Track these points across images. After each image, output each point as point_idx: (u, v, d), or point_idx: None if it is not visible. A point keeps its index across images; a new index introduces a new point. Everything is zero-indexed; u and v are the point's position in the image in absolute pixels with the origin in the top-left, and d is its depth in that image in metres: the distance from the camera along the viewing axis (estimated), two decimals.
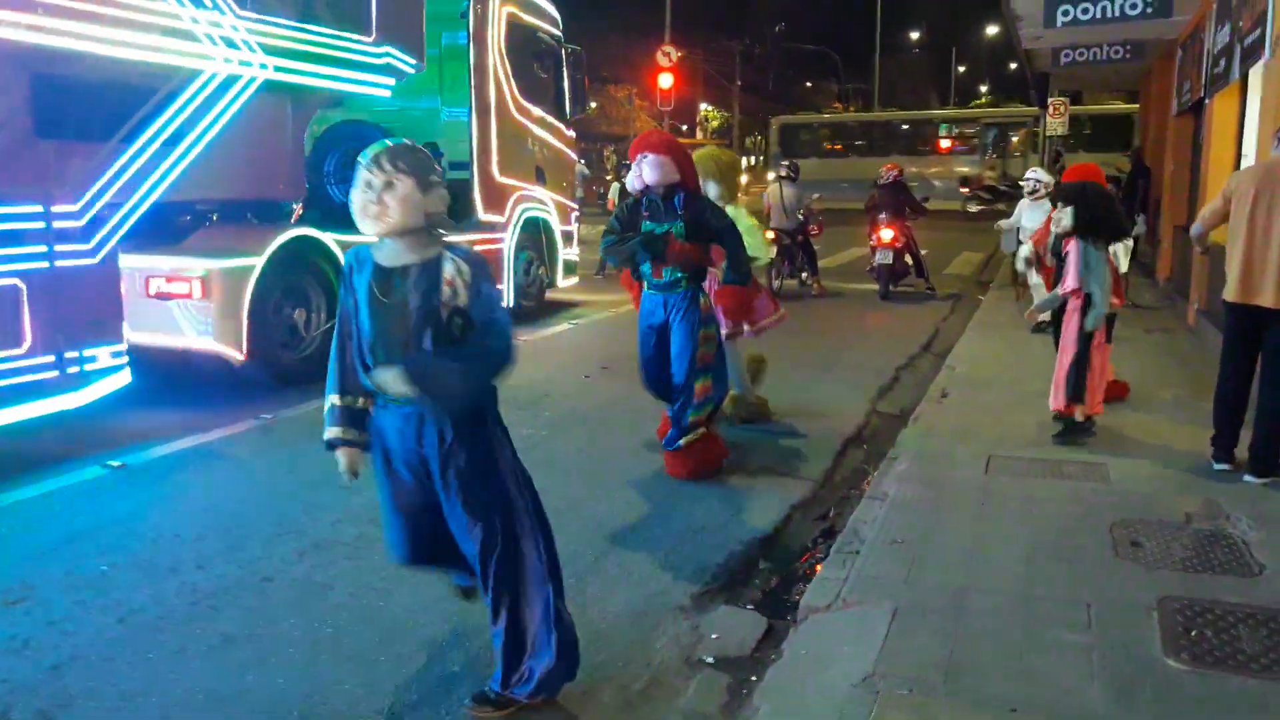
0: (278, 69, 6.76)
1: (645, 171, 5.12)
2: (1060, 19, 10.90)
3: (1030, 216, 9.34)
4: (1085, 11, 10.58)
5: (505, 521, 2.97)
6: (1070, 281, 5.58)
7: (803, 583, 4.12)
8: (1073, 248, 5.60)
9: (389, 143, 2.81)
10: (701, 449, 5.38)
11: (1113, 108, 32.39)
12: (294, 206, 9.19)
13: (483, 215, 9.59)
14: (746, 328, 6.10)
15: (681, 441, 5.33)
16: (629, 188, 5.34)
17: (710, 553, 4.37)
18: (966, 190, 33.73)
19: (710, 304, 5.40)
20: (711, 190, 5.89)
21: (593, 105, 41.66)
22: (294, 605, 3.75)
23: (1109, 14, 10.53)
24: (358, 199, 2.76)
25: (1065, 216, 5.60)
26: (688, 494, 5.13)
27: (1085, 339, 5.61)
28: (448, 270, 2.80)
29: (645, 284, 5.41)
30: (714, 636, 3.63)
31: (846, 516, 4.76)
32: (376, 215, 2.75)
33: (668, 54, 22.45)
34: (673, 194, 5.17)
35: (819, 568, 4.11)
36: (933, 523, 4.51)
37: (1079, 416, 5.71)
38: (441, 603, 3.81)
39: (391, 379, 2.72)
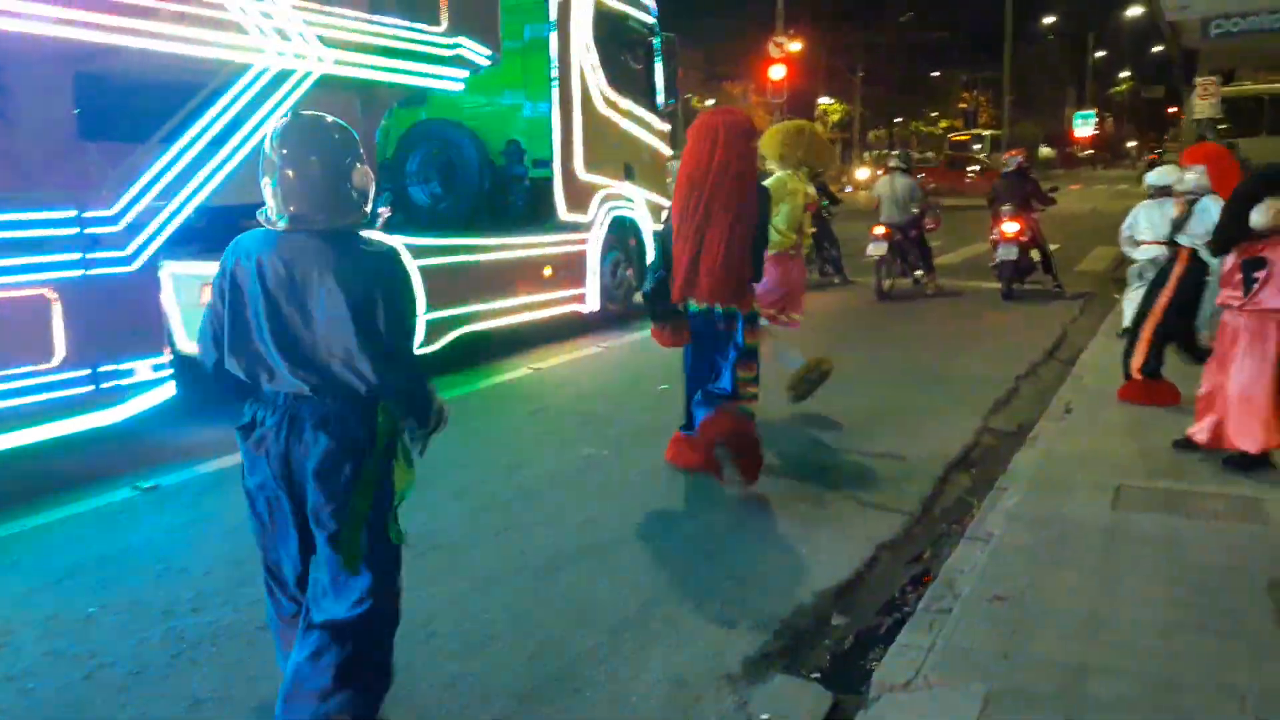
0: (337, 62, 6.39)
1: None
2: None
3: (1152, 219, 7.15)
4: None
5: None
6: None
7: (882, 645, 3.44)
8: None
9: (298, 116, 2.53)
10: (741, 417, 4.80)
11: None
12: (380, 208, 8.89)
13: (565, 215, 9.08)
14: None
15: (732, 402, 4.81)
16: None
17: (774, 604, 3.73)
18: None
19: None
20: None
21: (709, 102, 41.02)
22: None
23: None
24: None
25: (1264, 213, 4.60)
26: (757, 530, 4.48)
27: None
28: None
29: None
30: (765, 718, 3.00)
31: (944, 560, 4.04)
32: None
33: (779, 44, 21.58)
34: None
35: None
36: (1045, 574, 3.74)
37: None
38: (445, 661, 3.30)
39: None
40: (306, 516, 2.60)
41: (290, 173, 2.45)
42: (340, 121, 2.55)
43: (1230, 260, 4.85)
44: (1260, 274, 4.68)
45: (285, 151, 2.46)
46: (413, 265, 7.30)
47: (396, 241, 7.24)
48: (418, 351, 7.42)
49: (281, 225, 2.49)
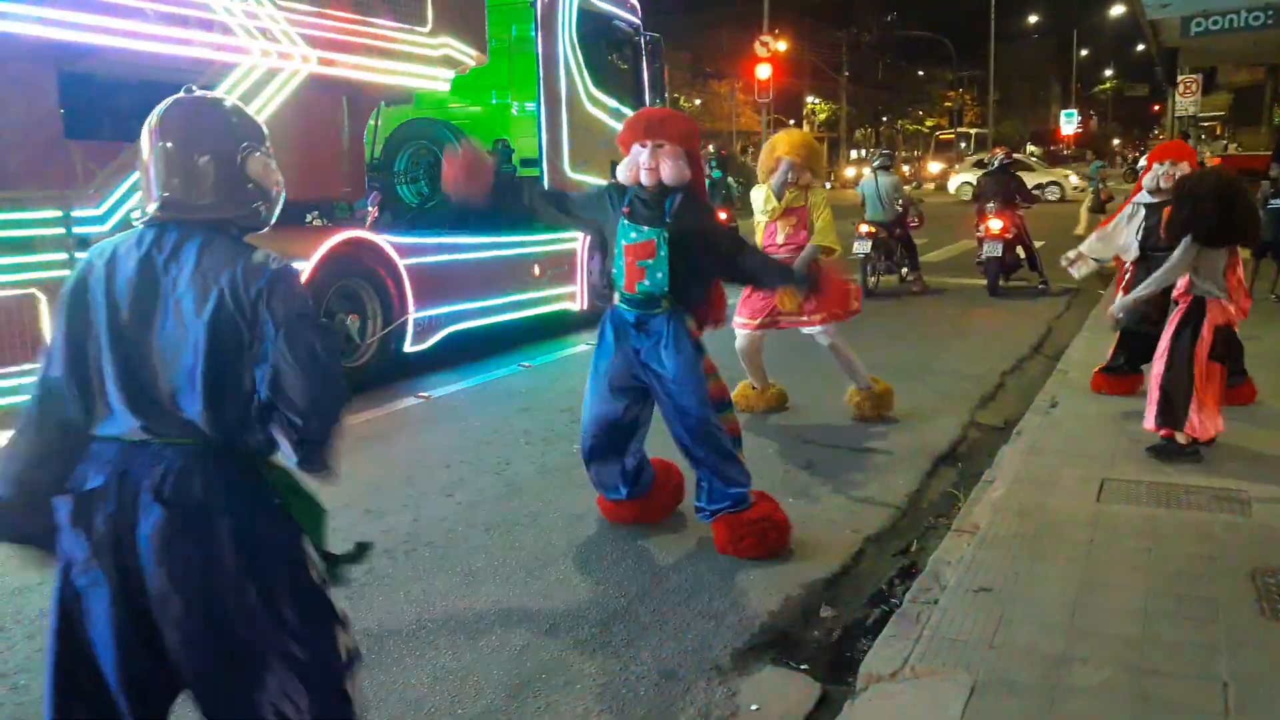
0: (323, 62, 6.40)
1: (665, 168, 3.91)
2: None
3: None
4: None
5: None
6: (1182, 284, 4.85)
7: (869, 637, 3.48)
8: (1182, 244, 4.81)
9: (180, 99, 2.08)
10: (768, 521, 4.14)
11: None
12: (369, 207, 8.89)
13: None
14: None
15: (740, 507, 4.11)
16: (620, 178, 4.13)
17: (763, 597, 3.76)
18: None
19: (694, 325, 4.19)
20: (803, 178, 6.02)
21: (696, 102, 41.11)
22: None
23: None
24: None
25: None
26: None
27: (1187, 353, 4.82)
28: None
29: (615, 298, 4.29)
30: (754, 708, 3.03)
31: (931, 552, 4.08)
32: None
33: (765, 43, 21.66)
34: (668, 193, 4.00)
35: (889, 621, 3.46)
36: (1030, 565, 3.79)
37: (1181, 439, 4.91)
38: (435, 655, 3.31)
39: None
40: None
41: (170, 146, 2.01)
42: (241, 106, 2.21)
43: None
44: None
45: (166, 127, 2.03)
46: (400, 265, 7.34)
47: (382, 239, 7.26)
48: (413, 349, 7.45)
49: (152, 210, 2.03)
